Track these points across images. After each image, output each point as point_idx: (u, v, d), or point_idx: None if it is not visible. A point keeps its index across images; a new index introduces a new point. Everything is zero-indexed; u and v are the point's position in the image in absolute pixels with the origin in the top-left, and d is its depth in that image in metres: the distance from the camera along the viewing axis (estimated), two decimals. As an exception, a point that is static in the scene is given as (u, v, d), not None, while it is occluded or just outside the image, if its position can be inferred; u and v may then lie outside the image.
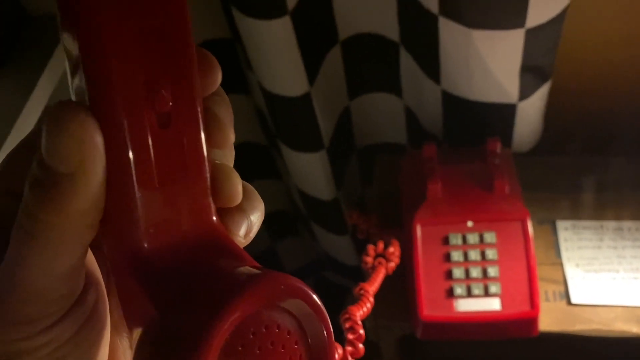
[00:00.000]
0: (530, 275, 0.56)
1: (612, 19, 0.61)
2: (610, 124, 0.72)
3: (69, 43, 0.17)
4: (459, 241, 0.57)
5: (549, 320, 0.59)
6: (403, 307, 0.60)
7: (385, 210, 0.70)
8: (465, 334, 0.58)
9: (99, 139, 0.16)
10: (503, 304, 0.56)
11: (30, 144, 0.19)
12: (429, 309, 0.56)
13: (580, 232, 0.64)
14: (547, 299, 0.60)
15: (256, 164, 0.95)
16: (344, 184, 0.88)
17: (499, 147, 0.60)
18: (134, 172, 0.17)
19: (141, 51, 0.17)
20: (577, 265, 0.62)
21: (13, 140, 0.42)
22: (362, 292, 0.53)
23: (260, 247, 1.13)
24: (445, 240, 0.58)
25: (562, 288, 0.61)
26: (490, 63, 0.58)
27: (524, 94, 0.62)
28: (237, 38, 0.67)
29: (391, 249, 0.58)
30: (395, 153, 0.86)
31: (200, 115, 0.19)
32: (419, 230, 0.58)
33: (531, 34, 0.54)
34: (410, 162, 0.66)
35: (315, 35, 0.64)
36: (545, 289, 0.61)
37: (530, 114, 0.65)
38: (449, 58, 0.60)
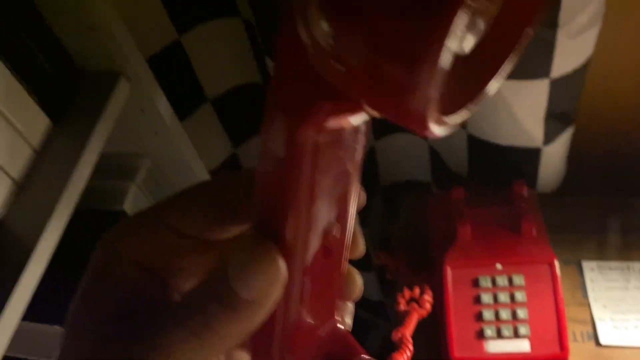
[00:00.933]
0: (558, 317, 0.57)
1: (633, 64, 0.63)
2: (632, 164, 0.74)
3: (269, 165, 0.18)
4: (489, 284, 0.59)
5: (577, 361, 0.60)
6: (433, 349, 0.61)
7: (412, 250, 0.71)
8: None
9: (285, 278, 0.18)
10: (532, 345, 0.57)
11: (199, 195, 0.20)
12: (460, 350, 0.58)
13: (606, 273, 0.66)
14: (575, 340, 0.61)
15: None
16: (369, 222, 0.90)
17: (525, 190, 0.62)
18: (296, 296, 0.19)
19: (331, 194, 0.19)
20: (605, 306, 0.63)
21: (69, 195, 0.44)
22: (402, 338, 0.54)
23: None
24: (475, 283, 0.59)
25: (590, 329, 0.62)
26: (516, 110, 0.60)
27: (549, 138, 0.64)
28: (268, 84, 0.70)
29: (426, 296, 0.60)
30: (419, 191, 0.88)
31: (348, 239, 0.21)
32: (449, 273, 0.60)
33: (556, 83, 0.56)
34: (437, 203, 0.68)
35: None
36: (572, 330, 0.62)
37: (554, 157, 0.67)
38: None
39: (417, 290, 0.61)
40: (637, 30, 0.60)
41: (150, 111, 0.52)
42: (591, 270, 0.66)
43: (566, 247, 0.69)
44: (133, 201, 0.55)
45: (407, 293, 0.61)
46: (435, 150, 0.78)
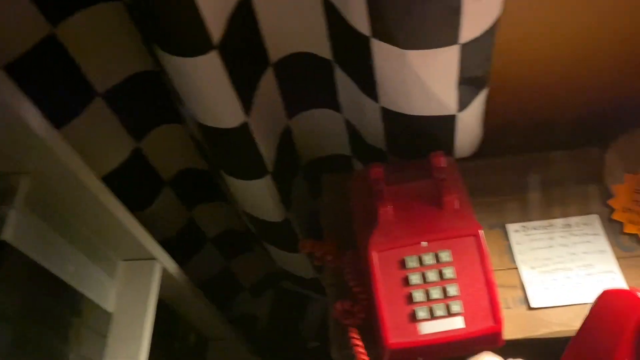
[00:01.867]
0: (489, 290, 0.56)
1: (542, 19, 0.61)
2: (547, 118, 0.73)
3: None
4: (416, 263, 0.57)
5: (512, 328, 0.59)
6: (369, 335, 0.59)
7: (338, 230, 0.68)
8: (432, 355, 0.57)
9: None
10: (466, 321, 0.55)
11: None
12: (394, 336, 0.56)
13: (530, 233, 0.65)
14: (507, 307, 0.61)
15: (201, 188, 0.92)
16: (293, 202, 0.86)
17: (443, 161, 0.59)
18: None
19: None
20: (532, 267, 0.63)
21: None
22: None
23: (215, 269, 1.11)
24: (402, 264, 0.57)
25: (520, 293, 0.62)
26: (427, 80, 0.57)
27: (463, 104, 0.61)
28: (163, 71, 0.63)
29: (356, 308, 0.58)
30: (340, 166, 0.85)
31: None
32: (375, 258, 0.57)
33: (466, 48, 0.53)
34: (357, 182, 0.65)
35: (246, 63, 0.62)
36: (504, 297, 0.61)
37: (469, 122, 0.65)
38: (385, 78, 0.59)
39: (347, 304, 0.58)
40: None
41: (16, 124, 0.45)
42: (516, 233, 0.65)
43: (490, 211, 0.68)
44: (16, 228, 0.49)
45: (339, 307, 0.58)
46: (351, 123, 0.75)
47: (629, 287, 0.60)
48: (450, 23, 0.51)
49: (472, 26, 0.52)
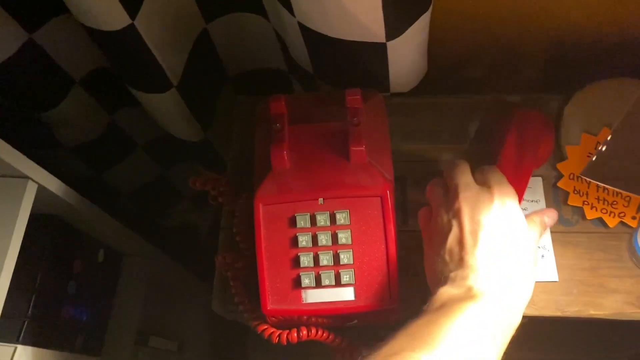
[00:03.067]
0: (389, 261, 0.47)
1: None
2: (510, 53, 0.61)
3: None
4: (307, 223, 0.48)
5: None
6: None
7: (243, 167, 0.59)
8: (318, 325, 0.50)
9: None
10: (357, 293, 0.47)
11: None
12: (274, 301, 0.48)
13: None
14: (416, 274, 0.53)
15: (120, 90, 0.81)
16: (216, 121, 0.75)
17: (358, 102, 0.49)
18: None
19: None
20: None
21: None
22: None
23: (149, 176, 1.02)
24: (293, 222, 0.48)
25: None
26: (343, -3, 0.45)
27: (394, 31, 0.49)
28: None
29: (239, 264, 0.49)
30: (279, 83, 0.73)
31: None
32: (261, 211, 0.48)
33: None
34: (262, 115, 0.54)
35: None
36: (414, 261, 0.53)
37: (405, 52, 0.53)
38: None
39: (229, 259, 0.50)
40: None
41: None
42: (444, 190, 0.56)
43: (418, 160, 0.58)
44: None
45: (220, 259, 0.50)
46: (282, 38, 0.63)
47: (557, 265, 0.52)
48: None
49: None
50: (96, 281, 0.80)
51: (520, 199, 0.49)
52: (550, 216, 0.49)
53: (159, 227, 1.17)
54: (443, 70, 0.62)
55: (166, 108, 0.65)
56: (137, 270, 0.88)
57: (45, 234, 0.68)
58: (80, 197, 0.67)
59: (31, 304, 0.66)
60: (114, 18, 0.51)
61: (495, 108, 0.58)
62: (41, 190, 0.60)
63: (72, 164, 0.85)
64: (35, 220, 0.61)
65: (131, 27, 0.52)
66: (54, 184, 0.62)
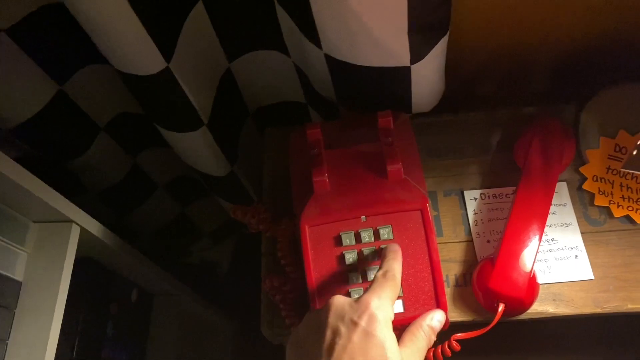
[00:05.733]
0: (433, 271, 0.49)
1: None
2: (521, 67, 0.64)
3: None
4: (352, 240, 0.50)
5: (463, 308, 0.53)
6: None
7: (278, 194, 0.61)
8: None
9: None
10: (406, 305, 0.49)
11: None
12: (325, 319, 0.49)
13: (490, 201, 0.58)
14: (457, 284, 0.55)
15: (142, 133, 0.84)
16: (240, 154, 0.78)
17: (390, 123, 0.51)
18: None
19: None
20: (489, 241, 0.56)
21: None
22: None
23: (170, 215, 1.04)
24: (338, 241, 0.50)
25: (474, 269, 0.55)
26: (372, 26, 0.48)
27: (417, 54, 0.52)
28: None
29: (287, 287, 0.51)
30: (297, 115, 0.76)
31: None
32: (307, 233, 0.50)
33: (415, -11, 0.44)
34: (296, 143, 0.57)
35: (166, 4, 0.52)
36: (455, 272, 0.55)
37: (427, 74, 0.56)
38: (325, 22, 0.49)
39: (277, 281, 0.52)
40: None
41: None
42: (473, 201, 0.58)
43: (448, 175, 0.60)
44: None
45: (268, 284, 0.52)
46: (302, 70, 0.66)
47: (590, 264, 0.54)
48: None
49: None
50: (131, 321, 0.81)
51: (549, 204, 0.51)
52: (437, 318, 0.46)
53: (179, 265, 1.18)
54: (459, 88, 0.65)
55: (197, 146, 0.68)
56: (168, 309, 0.89)
57: (85, 276, 0.69)
58: (119, 238, 0.69)
59: (75, 348, 0.67)
60: (151, 63, 0.54)
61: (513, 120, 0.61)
62: (83, 233, 0.62)
63: (96, 208, 0.87)
64: (76, 264, 0.63)
65: (167, 70, 0.55)
66: (94, 227, 0.64)
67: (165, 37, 0.53)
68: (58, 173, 0.77)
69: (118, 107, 0.77)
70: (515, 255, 0.50)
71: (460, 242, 0.57)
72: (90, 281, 0.70)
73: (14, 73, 0.61)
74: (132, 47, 0.52)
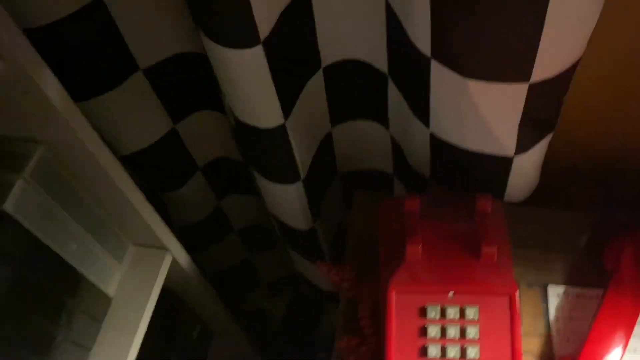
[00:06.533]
0: (514, 358, 0.50)
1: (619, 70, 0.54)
2: (614, 170, 0.66)
3: None
4: (437, 315, 0.51)
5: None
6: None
7: (362, 256, 0.63)
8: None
9: None
10: (482, 389, 0.49)
11: None
12: (399, 388, 0.50)
13: (573, 300, 0.58)
14: (532, 378, 0.55)
15: (234, 179, 0.88)
16: (323, 212, 0.81)
17: (489, 206, 0.53)
18: None
19: None
20: (568, 340, 0.56)
21: None
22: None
23: (235, 260, 1.08)
24: (423, 312, 0.51)
25: (550, 366, 0.55)
26: (486, 115, 0.51)
27: (522, 147, 0.55)
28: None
29: (363, 348, 0.53)
30: (380, 182, 0.79)
31: None
32: (394, 298, 0.52)
33: (536, 89, 0.47)
34: (389, 211, 0.60)
35: (294, 63, 0.57)
36: (530, 365, 0.55)
37: (526, 167, 0.58)
38: (440, 104, 0.53)
39: (355, 341, 0.53)
40: (633, 32, 0.50)
41: (34, 93, 0.42)
42: (556, 297, 0.59)
43: (532, 266, 0.61)
44: (19, 198, 0.46)
45: (344, 343, 0.54)
46: (398, 145, 0.69)
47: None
48: (523, 58, 0.44)
49: (547, 65, 0.45)
50: (190, 356, 0.83)
51: (638, 312, 0.51)
52: None
53: (235, 310, 1.20)
54: (548, 182, 0.67)
55: (289, 198, 0.71)
56: (225, 349, 0.91)
57: (162, 305, 0.73)
58: (200, 272, 0.72)
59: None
60: (270, 117, 0.58)
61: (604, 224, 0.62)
62: (174, 262, 0.65)
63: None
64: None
65: (282, 126, 0.59)
66: (184, 258, 0.67)
67: (288, 97, 0.58)
68: (152, 201, 0.82)
69: (218, 152, 0.82)
70: (599, 357, 0.50)
71: (538, 335, 0.57)
72: (165, 311, 0.73)
73: (139, 106, 0.67)
74: (258, 102, 0.57)
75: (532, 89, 0.47)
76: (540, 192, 0.65)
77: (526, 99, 0.48)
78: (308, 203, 0.74)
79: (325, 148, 0.73)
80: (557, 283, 0.60)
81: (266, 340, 1.17)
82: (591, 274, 0.60)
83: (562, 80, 0.48)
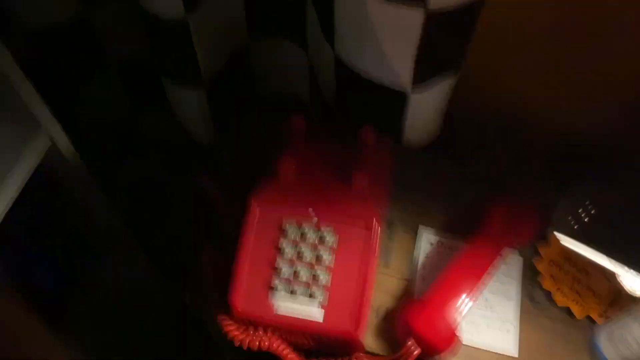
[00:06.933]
0: (363, 292, 0.49)
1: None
2: (522, 128, 0.64)
3: None
4: (296, 234, 0.50)
5: (381, 342, 0.53)
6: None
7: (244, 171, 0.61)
8: (282, 334, 0.51)
9: None
10: (326, 316, 0.49)
11: None
12: (245, 303, 0.49)
13: (443, 250, 0.58)
14: (386, 318, 0.54)
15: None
16: (234, 132, 0.78)
17: (371, 138, 0.52)
18: None
19: None
20: (428, 285, 0.56)
21: None
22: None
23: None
24: (282, 231, 0.50)
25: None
26: (383, 40, 0.48)
27: (419, 85, 0.53)
28: None
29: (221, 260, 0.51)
30: (297, 110, 0.77)
31: None
32: (255, 209, 0.50)
33: (433, 18, 0.45)
34: (281, 130, 0.57)
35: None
36: (387, 306, 0.55)
37: (425, 109, 0.56)
38: (342, 23, 0.50)
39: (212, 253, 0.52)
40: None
41: None
42: (428, 245, 0.58)
43: (414, 213, 0.60)
44: None
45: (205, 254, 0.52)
46: (314, 72, 0.67)
47: (519, 342, 0.53)
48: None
49: (447, -7, 0.43)
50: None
51: (488, 265, 0.51)
52: None
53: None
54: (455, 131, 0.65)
55: (189, 104, 0.68)
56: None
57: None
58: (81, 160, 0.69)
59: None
60: (172, 8, 0.55)
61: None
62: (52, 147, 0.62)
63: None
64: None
65: (184, 21, 0.56)
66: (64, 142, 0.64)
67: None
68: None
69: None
70: (443, 299, 0.49)
71: (401, 279, 0.56)
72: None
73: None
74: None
75: (429, 18, 0.45)
76: (446, 139, 0.63)
77: (423, 28, 0.46)
78: (211, 113, 0.71)
79: (241, 62, 0.70)
80: (433, 233, 0.59)
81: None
82: (467, 230, 0.59)
83: (465, 18, 0.46)
